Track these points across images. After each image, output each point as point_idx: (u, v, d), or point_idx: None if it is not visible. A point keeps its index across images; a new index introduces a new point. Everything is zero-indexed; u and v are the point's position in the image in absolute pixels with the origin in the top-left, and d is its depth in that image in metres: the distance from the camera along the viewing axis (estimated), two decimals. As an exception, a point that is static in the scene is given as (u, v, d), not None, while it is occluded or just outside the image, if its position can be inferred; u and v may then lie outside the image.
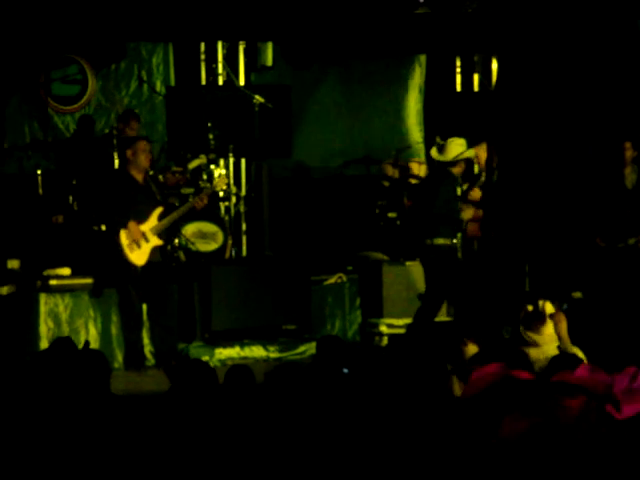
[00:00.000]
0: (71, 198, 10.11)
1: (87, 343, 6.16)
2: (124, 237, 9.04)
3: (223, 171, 10.46)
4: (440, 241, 9.29)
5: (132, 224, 9.03)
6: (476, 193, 9.97)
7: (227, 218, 10.56)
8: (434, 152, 9.47)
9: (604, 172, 10.24)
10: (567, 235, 11.19)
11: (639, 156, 10.02)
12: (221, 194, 10.42)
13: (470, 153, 9.43)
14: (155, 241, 9.14)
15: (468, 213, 9.65)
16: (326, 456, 4.09)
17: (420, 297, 9.62)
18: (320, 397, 4.87)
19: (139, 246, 9.06)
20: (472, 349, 6.68)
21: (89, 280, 9.50)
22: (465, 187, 9.96)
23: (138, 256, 9.05)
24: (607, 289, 9.50)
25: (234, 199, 10.83)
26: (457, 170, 9.37)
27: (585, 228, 10.44)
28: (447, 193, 9.34)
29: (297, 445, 4.31)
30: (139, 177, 9.17)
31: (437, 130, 11.15)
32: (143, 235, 9.06)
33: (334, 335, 9.34)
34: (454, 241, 9.48)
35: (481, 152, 10.36)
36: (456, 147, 9.36)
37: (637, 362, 5.77)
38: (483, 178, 10.32)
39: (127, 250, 9.03)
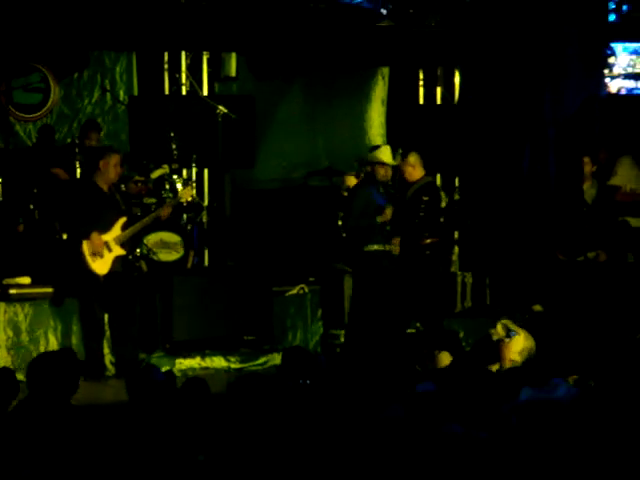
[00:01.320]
0: (32, 206, 10.05)
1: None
2: (86, 247, 8.99)
3: (189, 181, 10.46)
4: (374, 247, 9.42)
5: (94, 235, 8.98)
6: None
7: (189, 228, 10.55)
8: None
9: (564, 187, 10.34)
10: (527, 249, 11.30)
11: (598, 171, 10.12)
12: (185, 204, 10.41)
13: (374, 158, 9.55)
14: (118, 251, 9.10)
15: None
16: (289, 466, 4.10)
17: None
18: (283, 408, 4.88)
19: (102, 256, 9.02)
20: (445, 358, 6.75)
21: (49, 289, 9.44)
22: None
23: (100, 266, 9.01)
24: (567, 302, 9.58)
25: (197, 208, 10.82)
26: (379, 174, 9.54)
27: (545, 242, 10.53)
28: (359, 198, 9.53)
29: (260, 455, 4.32)
30: (104, 187, 9.13)
31: (400, 142, 11.19)
32: (106, 245, 9.03)
33: (299, 346, 9.36)
34: (386, 247, 9.55)
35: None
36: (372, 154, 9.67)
37: (594, 372, 5.83)
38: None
39: (89, 259, 8.99)
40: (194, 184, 10.96)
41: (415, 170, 9.80)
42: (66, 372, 5.00)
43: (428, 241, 9.61)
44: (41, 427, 4.73)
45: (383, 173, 9.60)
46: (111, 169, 9.07)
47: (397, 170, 9.92)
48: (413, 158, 9.79)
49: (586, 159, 9.96)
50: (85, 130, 10.59)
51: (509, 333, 7.10)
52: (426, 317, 9.66)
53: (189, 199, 10.09)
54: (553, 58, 11.57)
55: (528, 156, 11.63)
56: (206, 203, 11.25)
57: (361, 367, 6.56)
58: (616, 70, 11.89)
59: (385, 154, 9.70)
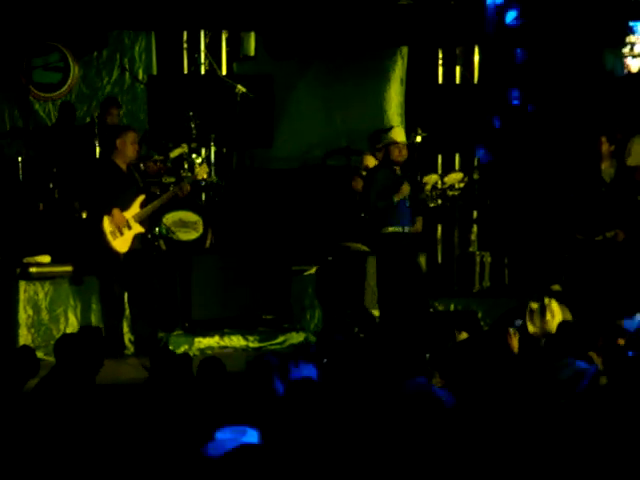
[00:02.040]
0: (52, 185, 10.09)
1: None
2: (107, 224, 9.02)
3: (202, 160, 10.48)
4: (390, 229, 9.41)
5: (116, 211, 9.01)
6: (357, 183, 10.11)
7: (208, 207, 10.56)
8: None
9: (582, 166, 10.30)
10: (545, 229, 11.28)
11: (616, 150, 10.06)
12: (203, 183, 10.43)
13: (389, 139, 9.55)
14: (138, 228, 9.13)
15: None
16: (309, 448, 4.12)
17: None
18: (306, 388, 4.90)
19: (122, 233, 9.05)
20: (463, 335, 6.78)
21: (69, 268, 9.47)
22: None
23: (121, 243, 9.04)
24: (586, 281, 9.56)
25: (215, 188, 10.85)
26: (394, 155, 9.52)
27: (563, 222, 10.50)
28: (379, 181, 9.50)
29: (281, 436, 4.34)
30: (123, 166, 9.15)
31: (419, 122, 11.18)
32: (126, 222, 9.06)
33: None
34: (405, 229, 9.54)
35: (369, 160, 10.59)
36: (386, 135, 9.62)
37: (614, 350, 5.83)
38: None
39: (110, 237, 9.02)
40: (209, 161, 10.95)
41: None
42: (92, 351, 5.03)
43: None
44: (67, 405, 4.76)
45: (397, 153, 9.53)
46: (129, 147, 9.08)
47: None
48: None
49: (603, 139, 9.89)
50: (106, 106, 10.61)
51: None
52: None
53: (205, 176, 10.09)
54: (575, 38, 11.52)
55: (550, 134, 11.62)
56: (224, 182, 11.25)
57: (385, 346, 6.58)
58: (637, 49, 11.82)
59: (397, 133, 9.65)
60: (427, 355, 6.14)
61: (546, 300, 7.52)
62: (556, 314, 7.52)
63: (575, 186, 10.19)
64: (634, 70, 11.88)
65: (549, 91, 11.84)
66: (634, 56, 11.85)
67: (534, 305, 7.56)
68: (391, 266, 9.49)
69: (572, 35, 11.55)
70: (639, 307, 8.11)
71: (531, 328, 7.65)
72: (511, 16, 11.85)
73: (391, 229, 9.45)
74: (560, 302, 7.83)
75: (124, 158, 9.12)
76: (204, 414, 4.74)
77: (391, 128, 10.02)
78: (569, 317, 7.56)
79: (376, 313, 9.92)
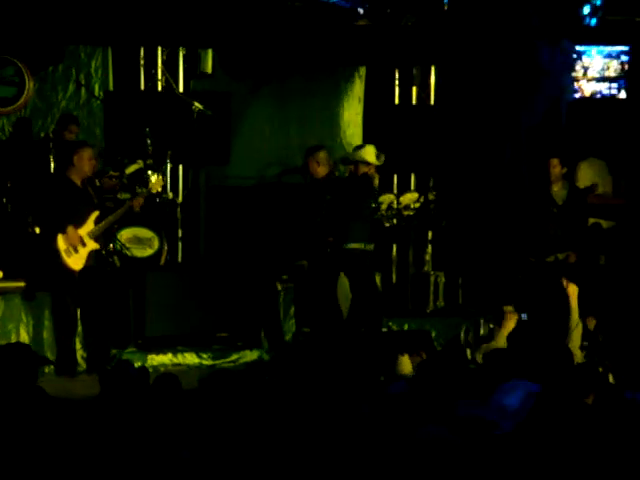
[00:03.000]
0: (5, 200, 10.00)
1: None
2: (61, 242, 8.97)
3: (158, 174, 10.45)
4: (354, 246, 9.45)
5: (71, 229, 8.97)
6: None
7: (163, 224, 10.53)
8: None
9: (533, 188, 10.41)
10: (499, 250, 11.36)
11: (568, 172, 10.19)
12: (158, 199, 10.40)
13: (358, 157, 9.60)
14: (92, 245, 9.09)
15: None
16: (260, 462, 4.12)
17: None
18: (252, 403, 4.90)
19: (76, 251, 9.00)
20: (407, 363, 6.80)
21: (21, 283, 9.41)
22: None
23: (75, 261, 8.99)
24: (538, 303, 9.63)
25: (170, 205, 10.82)
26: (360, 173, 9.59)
27: (516, 243, 10.60)
28: (361, 198, 9.56)
29: (230, 452, 4.33)
30: (78, 181, 9.12)
31: (375, 141, 11.22)
32: (81, 239, 9.01)
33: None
34: (368, 247, 9.61)
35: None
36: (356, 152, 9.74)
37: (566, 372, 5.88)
38: None
39: (64, 255, 8.97)
40: (165, 177, 10.92)
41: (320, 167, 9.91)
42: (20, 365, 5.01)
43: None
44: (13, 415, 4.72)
45: (363, 172, 9.64)
46: (85, 163, 9.06)
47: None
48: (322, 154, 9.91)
49: (555, 161, 10.02)
50: (64, 123, 10.55)
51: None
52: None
53: (159, 189, 10.07)
54: (527, 60, 11.65)
55: (505, 157, 11.72)
56: (180, 199, 11.23)
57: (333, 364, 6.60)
58: (590, 73, 11.97)
59: (369, 153, 9.71)
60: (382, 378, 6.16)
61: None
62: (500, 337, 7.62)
63: (527, 208, 10.29)
64: (587, 94, 12.03)
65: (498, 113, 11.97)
66: (588, 80, 12.00)
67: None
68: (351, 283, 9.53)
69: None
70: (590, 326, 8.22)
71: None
72: None
73: (353, 245, 9.49)
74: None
75: (80, 174, 9.09)
76: (158, 430, 4.73)
77: (362, 146, 10.05)
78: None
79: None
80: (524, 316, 7.70)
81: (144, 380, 5.33)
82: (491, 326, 7.77)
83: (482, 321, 8.03)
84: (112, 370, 5.44)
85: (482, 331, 7.94)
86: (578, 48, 11.95)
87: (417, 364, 6.80)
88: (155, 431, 4.70)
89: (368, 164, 9.65)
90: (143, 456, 4.24)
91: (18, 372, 5.04)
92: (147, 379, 5.47)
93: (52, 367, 9.12)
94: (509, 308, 9.97)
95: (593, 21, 11.67)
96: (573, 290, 8.12)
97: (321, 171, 9.93)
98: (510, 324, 7.57)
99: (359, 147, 10.07)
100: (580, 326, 7.95)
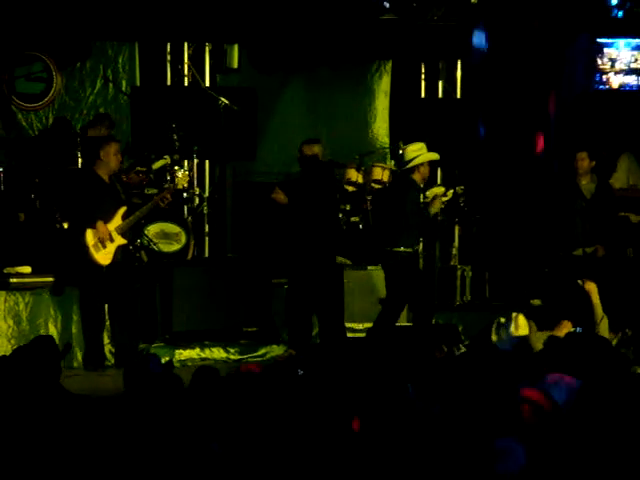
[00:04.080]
0: (33, 196, 10.07)
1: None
2: (90, 237, 9.02)
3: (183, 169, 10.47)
4: (401, 249, 9.35)
5: (100, 224, 9.02)
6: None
7: (190, 219, 10.57)
8: (393, 163, 9.67)
9: (562, 182, 10.34)
10: (526, 244, 11.32)
11: (598, 166, 10.10)
12: (185, 195, 10.44)
13: (425, 157, 9.46)
14: (120, 240, 9.13)
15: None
16: (289, 457, 4.13)
17: (381, 302, 9.68)
18: (278, 399, 4.90)
19: (104, 246, 9.05)
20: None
21: (50, 278, 9.47)
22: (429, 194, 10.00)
23: (103, 256, 9.04)
24: (565, 297, 9.59)
25: (197, 200, 10.85)
26: (417, 176, 9.42)
27: (544, 237, 10.55)
28: (409, 202, 9.39)
29: (260, 446, 4.34)
30: (105, 177, 9.16)
31: (402, 136, 11.21)
32: (109, 235, 9.05)
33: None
34: (415, 248, 9.56)
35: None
36: (411, 153, 9.45)
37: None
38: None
39: (92, 250, 9.01)
40: (191, 173, 10.94)
41: None
42: (45, 360, 5.03)
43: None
44: (29, 412, 4.74)
45: (428, 171, 9.49)
46: (112, 158, 9.11)
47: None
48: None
49: (583, 154, 9.91)
50: (95, 121, 10.61)
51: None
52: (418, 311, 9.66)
53: (185, 185, 10.10)
54: (555, 54, 11.60)
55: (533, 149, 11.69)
56: (207, 194, 11.26)
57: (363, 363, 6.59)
58: (618, 66, 11.89)
59: (427, 151, 9.50)
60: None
61: (513, 314, 7.66)
62: (521, 328, 7.64)
63: (556, 201, 10.23)
64: (615, 86, 11.95)
65: (528, 107, 11.92)
66: (616, 72, 11.92)
67: (502, 319, 7.72)
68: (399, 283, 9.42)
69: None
70: (620, 324, 8.17)
71: (494, 338, 7.76)
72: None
73: (404, 249, 9.40)
74: (535, 317, 7.92)
75: (107, 169, 9.13)
76: (189, 423, 4.74)
77: (420, 146, 9.51)
78: (534, 331, 7.69)
79: (356, 326, 9.94)
80: (579, 329, 7.68)
81: (169, 375, 5.34)
82: (514, 315, 7.74)
83: (513, 315, 8.00)
84: (134, 365, 5.45)
85: (512, 326, 7.90)
86: (605, 40, 11.87)
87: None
88: (186, 425, 4.71)
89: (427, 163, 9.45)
90: (169, 450, 4.26)
91: (41, 366, 5.05)
92: (172, 374, 5.48)
93: (81, 361, 9.19)
94: (536, 301, 9.96)
95: (620, 13, 11.60)
96: (592, 287, 8.09)
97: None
98: (560, 332, 7.53)
99: (419, 147, 9.47)
100: (605, 320, 7.91)
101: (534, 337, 7.59)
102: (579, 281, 8.26)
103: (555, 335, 7.24)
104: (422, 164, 9.36)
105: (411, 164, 9.36)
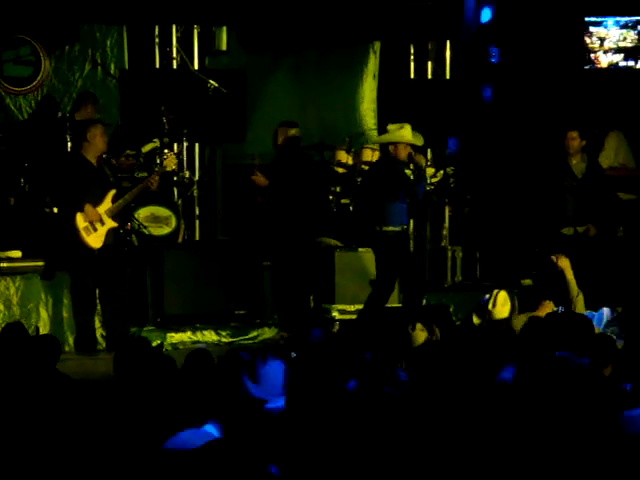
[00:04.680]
0: (23, 180, 10.04)
1: (37, 329, 6.09)
2: (80, 220, 9.00)
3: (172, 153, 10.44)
4: (390, 228, 9.36)
5: (88, 207, 9.00)
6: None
7: (180, 202, 10.56)
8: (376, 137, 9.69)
9: (552, 161, 10.34)
10: (517, 223, 11.33)
11: (588, 145, 10.10)
12: (175, 178, 10.42)
13: (389, 138, 9.48)
14: (110, 223, 9.12)
15: None
16: (282, 441, 4.13)
17: (372, 283, 9.69)
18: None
19: (95, 229, 9.03)
20: (421, 335, 6.79)
21: (40, 263, 9.45)
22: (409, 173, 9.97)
23: (94, 239, 9.03)
24: (556, 276, 9.62)
25: (187, 183, 10.84)
26: (402, 155, 9.41)
27: (534, 217, 10.56)
28: (394, 180, 9.39)
29: (254, 431, 4.35)
30: (93, 160, 9.15)
31: (390, 117, 11.18)
32: (99, 217, 9.04)
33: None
34: (404, 227, 9.56)
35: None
36: (388, 132, 9.51)
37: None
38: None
39: (83, 233, 9.00)
40: (181, 156, 10.93)
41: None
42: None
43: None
44: (31, 400, 4.75)
45: (406, 153, 9.43)
46: (99, 139, 9.10)
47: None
48: None
49: (574, 133, 9.90)
50: (79, 102, 10.56)
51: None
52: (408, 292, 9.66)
53: (174, 167, 10.09)
54: (540, 31, 11.59)
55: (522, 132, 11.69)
56: (197, 177, 11.24)
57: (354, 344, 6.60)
58: (607, 44, 11.88)
59: (411, 134, 9.45)
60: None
61: (494, 291, 7.68)
62: (499, 305, 7.66)
63: (546, 181, 10.24)
64: (604, 65, 11.94)
65: (521, 87, 11.90)
66: (605, 51, 11.91)
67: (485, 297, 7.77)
68: (388, 263, 9.42)
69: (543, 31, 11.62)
70: (610, 302, 8.19)
71: (475, 320, 7.77)
72: (486, 15, 11.88)
73: (392, 228, 9.39)
74: (526, 297, 7.94)
75: (94, 151, 9.12)
76: (181, 407, 4.75)
77: (402, 126, 9.51)
78: (514, 308, 7.71)
79: (348, 308, 9.95)
80: (561, 309, 7.69)
81: (158, 358, 5.35)
82: (494, 292, 7.75)
83: (494, 292, 7.99)
84: (124, 348, 5.46)
85: (490, 303, 7.89)
86: (594, 19, 11.86)
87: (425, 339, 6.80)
88: (183, 407, 4.72)
89: (408, 145, 9.41)
90: (160, 434, 4.26)
91: (40, 360, 5.06)
92: (162, 355, 5.49)
93: (72, 345, 9.19)
94: (527, 281, 9.97)
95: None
96: (565, 263, 8.12)
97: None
98: (541, 313, 7.54)
99: (397, 127, 9.54)
100: (581, 296, 7.95)
101: (515, 319, 7.61)
102: (552, 257, 8.28)
103: (536, 316, 7.27)
104: (395, 144, 9.34)
105: (375, 141, 9.49)
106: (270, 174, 9.91)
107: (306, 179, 9.93)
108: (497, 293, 7.72)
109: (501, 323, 7.60)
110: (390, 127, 9.53)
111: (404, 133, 9.38)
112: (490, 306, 7.71)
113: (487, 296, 7.81)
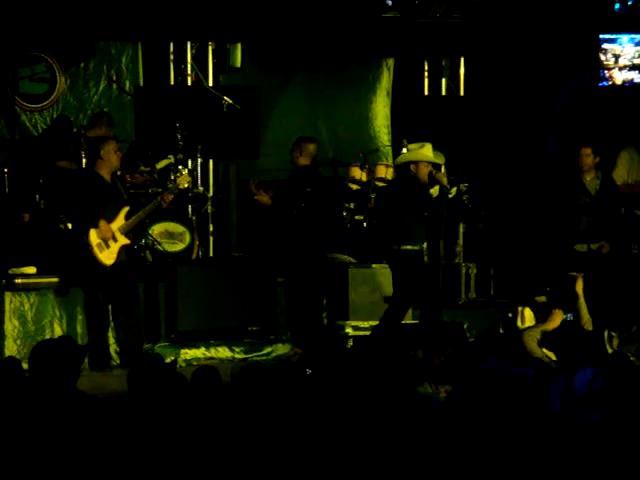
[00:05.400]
0: (37, 196, 10.07)
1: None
2: (94, 236, 9.03)
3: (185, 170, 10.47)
4: (409, 247, 9.33)
5: (103, 223, 9.03)
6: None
7: (194, 219, 10.58)
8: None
9: (566, 179, 10.33)
10: (531, 241, 11.31)
11: (602, 162, 10.09)
12: (190, 194, 10.45)
13: (408, 157, 9.45)
14: (123, 240, 9.14)
15: None
16: (293, 456, 4.13)
17: (387, 300, 9.67)
18: (286, 398, 4.90)
19: (108, 246, 9.06)
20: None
21: (55, 279, 9.47)
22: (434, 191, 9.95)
23: (107, 256, 9.05)
24: (571, 293, 9.59)
25: (201, 199, 10.86)
26: (423, 173, 9.37)
27: (548, 234, 10.54)
28: (413, 198, 9.37)
29: (265, 445, 4.34)
30: (107, 176, 9.17)
31: (404, 134, 11.20)
32: (112, 234, 9.06)
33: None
34: (422, 245, 9.53)
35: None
36: (406, 152, 9.51)
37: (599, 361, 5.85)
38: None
39: (96, 250, 9.02)
40: (195, 172, 10.97)
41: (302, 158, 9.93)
42: (67, 358, 5.02)
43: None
44: (45, 412, 4.75)
45: (426, 171, 9.38)
46: (112, 156, 9.14)
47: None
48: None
49: (587, 150, 9.90)
50: (99, 121, 10.60)
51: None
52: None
53: (187, 185, 10.10)
54: (555, 49, 11.60)
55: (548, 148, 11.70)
56: (211, 194, 11.26)
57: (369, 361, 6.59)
58: (622, 62, 11.87)
59: (432, 153, 9.42)
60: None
61: (519, 307, 7.71)
62: (527, 321, 7.70)
63: (560, 198, 10.22)
64: (619, 82, 11.93)
65: (532, 104, 11.92)
66: (620, 68, 11.90)
67: (509, 314, 7.80)
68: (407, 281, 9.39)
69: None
70: (624, 318, 8.17)
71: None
72: None
73: (411, 247, 9.37)
74: (540, 314, 7.95)
75: (109, 168, 9.15)
76: (196, 424, 4.75)
77: (423, 145, 9.40)
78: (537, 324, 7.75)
79: (361, 324, 9.94)
80: (569, 316, 7.69)
81: (172, 374, 5.35)
82: (520, 309, 7.78)
83: (519, 309, 8.03)
84: (137, 364, 5.46)
85: (519, 319, 7.93)
86: (609, 36, 11.85)
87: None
88: (192, 424, 4.72)
89: (430, 164, 9.36)
90: (173, 449, 4.26)
91: (65, 364, 5.05)
92: (175, 373, 5.50)
93: (86, 361, 9.19)
94: (541, 298, 9.94)
95: (624, 8, 11.59)
96: (580, 287, 8.10)
97: (302, 161, 9.94)
98: (553, 324, 7.55)
99: (418, 146, 9.44)
100: (590, 323, 7.96)
101: (527, 334, 7.59)
102: (573, 273, 8.28)
103: (547, 330, 7.28)
104: (416, 163, 9.31)
105: (397, 161, 9.55)
106: (286, 189, 9.91)
107: (322, 195, 9.94)
108: (522, 310, 7.75)
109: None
110: (411, 146, 9.49)
111: (426, 152, 9.34)
112: (519, 323, 7.72)
113: (510, 314, 7.84)
